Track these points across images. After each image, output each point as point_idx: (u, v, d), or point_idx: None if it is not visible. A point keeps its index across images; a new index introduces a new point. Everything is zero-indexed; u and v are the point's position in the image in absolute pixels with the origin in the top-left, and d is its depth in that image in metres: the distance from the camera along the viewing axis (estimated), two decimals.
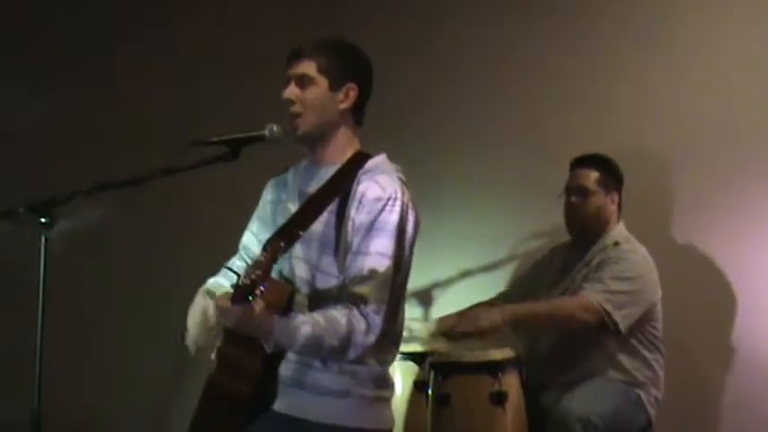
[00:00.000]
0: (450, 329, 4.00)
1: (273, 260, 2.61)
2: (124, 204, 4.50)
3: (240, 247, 3.14)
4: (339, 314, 2.72)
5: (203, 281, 3.09)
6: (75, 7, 5.29)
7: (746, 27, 4.55)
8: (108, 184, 2.80)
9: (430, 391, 3.73)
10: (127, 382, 5.02)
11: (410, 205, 2.87)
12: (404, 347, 3.86)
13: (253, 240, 3.09)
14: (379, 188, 2.82)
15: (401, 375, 3.85)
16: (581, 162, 4.18)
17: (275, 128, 2.85)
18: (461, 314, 4.14)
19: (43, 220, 2.68)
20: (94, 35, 5.28)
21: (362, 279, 2.76)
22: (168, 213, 5.03)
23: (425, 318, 4.69)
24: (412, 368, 3.87)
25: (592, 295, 3.90)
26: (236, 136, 2.86)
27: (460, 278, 4.78)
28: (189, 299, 3.01)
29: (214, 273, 3.12)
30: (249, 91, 4.81)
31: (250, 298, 2.52)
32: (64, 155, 5.12)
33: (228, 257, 3.16)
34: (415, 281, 4.49)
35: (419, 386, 3.81)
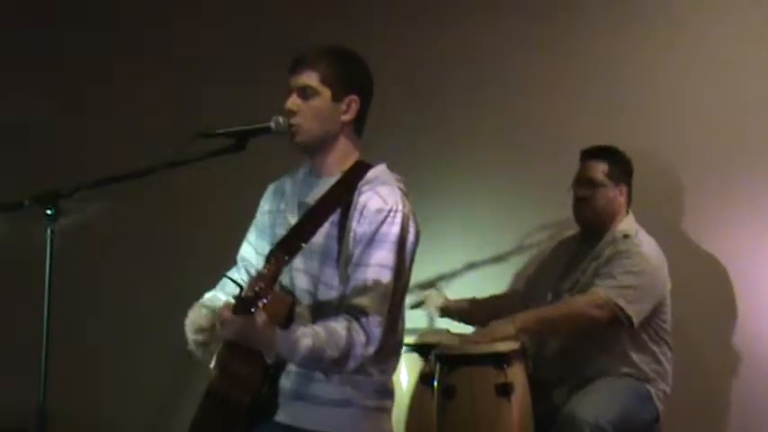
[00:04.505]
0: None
1: (277, 273, 2.63)
2: (129, 202, 4.51)
3: (238, 258, 3.12)
4: (339, 326, 2.72)
5: (207, 282, 3.10)
6: (75, 7, 5.29)
7: (752, 27, 4.56)
8: (113, 177, 2.79)
9: (435, 383, 3.73)
10: (130, 383, 5.02)
11: (411, 216, 2.87)
12: (409, 340, 3.89)
13: (251, 252, 3.08)
14: (381, 200, 2.82)
15: (406, 367, 3.85)
16: (590, 154, 4.17)
17: (281, 119, 2.85)
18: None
19: (49, 212, 2.66)
20: (94, 35, 5.28)
21: (363, 290, 2.76)
22: (173, 212, 5.03)
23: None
24: (417, 360, 3.87)
25: (603, 291, 3.89)
26: (241, 127, 2.85)
27: (466, 270, 4.78)
28: (193, 300, 3.01)
29: (217, 273, 3.11)
30: (249, 91, 4.81)
31: (252, 310, 2.52)
32: (63, 154, 5.11)
33: (231, 258, 3.15)
34: (422, 272, 4.54)
35: (424, 378, 3.80)
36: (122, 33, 5.26)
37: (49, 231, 2.66)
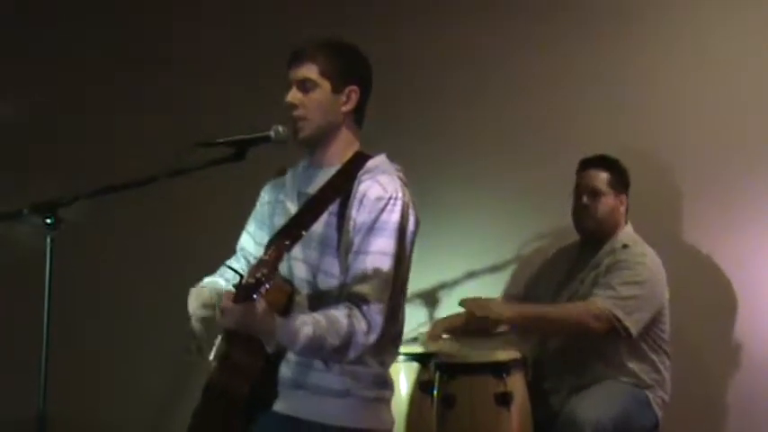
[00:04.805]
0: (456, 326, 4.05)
1: (279, 259, 2.61)
2: (128, 206, 4.50)
3: (237, 248, 3.13)
4: (340, 314, 2.72)
5: None
6: (75, 7, 5.28)
7: (750, 28, 4.56)
8: (113, 187, 2.79)
9: (435, 392, 3.74)
10: (130, 387, 5.02)
11: (411, 205, 2.88)
12: (409, 349, 3.89)
13: (250, 242, 3.09)
14: (381, 188, 2.83)
15: (406, 376, 3.85)
16: (591, 163, 4.17)
17: (281, 128, 2.86)
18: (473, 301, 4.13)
19: (48, 220, 2.66)
20: (94, 35, 5.27)
21: (363, 278, 2.76)
22: (172, 215, 5.02)
23: (430, 318, 4.71)
24: (416, 369, 3.87)
25: (601, 301, 3.90)
26: (241, 137, 2.85)
27: (466, 279, 4.77)
28: None
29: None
30: (249, 91, 4.81)
31: (254, 296, 2.52)
32: (63, 154, 5.11)
33: (229, 259, 3.14)
34: (421, 282, 4.55)
35: (424, 387, 3.80)
36: (122, 33, 5.25)
37: (48, 239, 2.66)
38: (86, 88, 5.21)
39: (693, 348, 4.44)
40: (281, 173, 3.07)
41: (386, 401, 2.93)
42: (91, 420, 4.99)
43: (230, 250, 3.15)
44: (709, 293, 4.52)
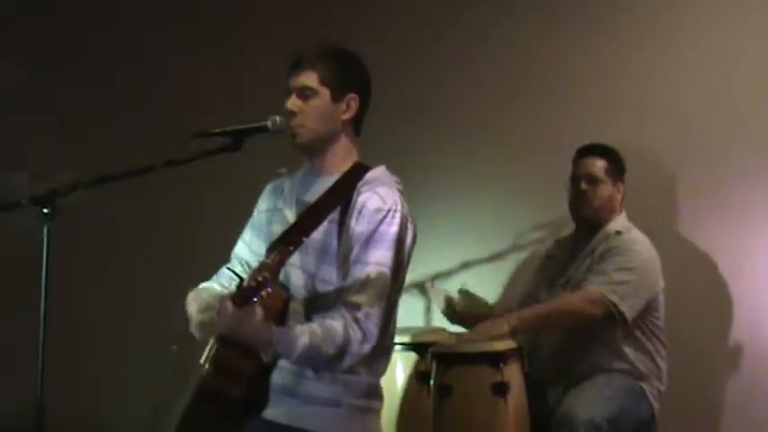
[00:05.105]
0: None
1: (281, 263, 2.64)
2: (128, 202, 4.52)
3: (232, 255, 3.13)
4: (336, 323, 2.73)
5: (205, 279, 3.10)
6: (75, 7, 5.30)
7: (747, 25, 4.55)
8: (110, 176, 2.80)
9: (432, 382, 3.74)
10: (129, 383, 5.03)
11: (409, 218, 2.89)
12: (405, 338, 3.90)
13: (246, 250, 3.10)
14: (380, 199, 2.84)
15: (402, 366, 3.85)
16: (588, 151, 4.17)
17: (277, 119, 2.86)
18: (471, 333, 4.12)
19: (46, 211, 2.66)
20: (94, 35, 5.29)
21: (360, 288, 2.77)
22: (171, 211, 5.04)
23: (426, 309, 4.72)
24: (413, 359, 3.87)
25: (596, 287, 3.90)
26: (238, 127, 2.86)
27: (461, 269, 4.78)
28: None
29: (215, 271, 3.13)
30: (249, 91, 4.82)
31: (254, 299, 2.53)
32: (63, 154, 5.11)
33: (229, 256, 3.15)
34: (417, 272, 4.53)
35: (420, 377, 3.81)
36: (122, 33, 5.27)
37: (46, 230, 2.66)
38: (86, 87, 5.23)
39: (690, 341, 4.41)
40: None
41: (375, 412, 2.94)
42: (89, 413, 4.99)
43: (231, 246, 3.16)
44: (705, 287, 4.51)
